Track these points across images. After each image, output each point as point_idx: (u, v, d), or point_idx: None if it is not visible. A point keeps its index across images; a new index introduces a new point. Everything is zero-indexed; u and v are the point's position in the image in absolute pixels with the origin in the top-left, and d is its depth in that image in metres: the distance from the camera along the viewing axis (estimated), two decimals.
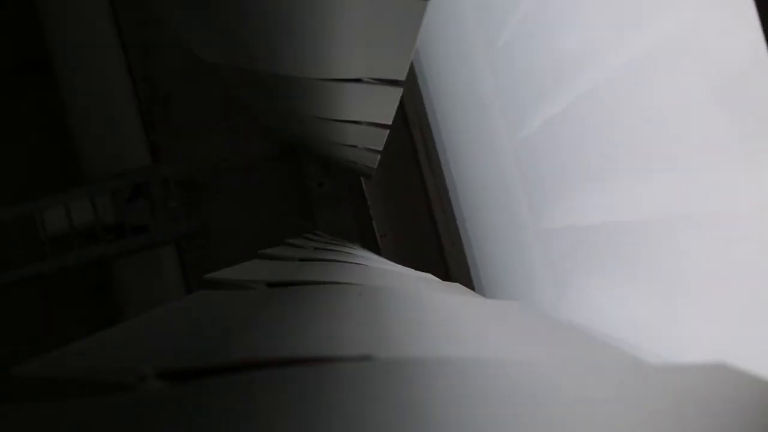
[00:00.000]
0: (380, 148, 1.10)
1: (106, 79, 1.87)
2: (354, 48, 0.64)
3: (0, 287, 1.74)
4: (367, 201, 1.81)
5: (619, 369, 0.32)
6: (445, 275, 1.58)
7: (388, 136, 1.08)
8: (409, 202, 1.77)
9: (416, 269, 0.97)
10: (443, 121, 1.67)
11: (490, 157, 1.33)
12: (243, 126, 1.80)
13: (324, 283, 0.58)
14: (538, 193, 1.06)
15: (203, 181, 1.87)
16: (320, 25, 0.61)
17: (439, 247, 1.72)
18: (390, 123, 0.89)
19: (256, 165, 1.85)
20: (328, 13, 0.57)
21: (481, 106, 1.33)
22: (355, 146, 1.13)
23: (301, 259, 0.81)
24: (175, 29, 0.80)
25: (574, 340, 0.40)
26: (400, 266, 1.00)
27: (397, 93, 0.70)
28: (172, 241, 1.81)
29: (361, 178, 1.80)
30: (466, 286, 0.97)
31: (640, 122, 0.61)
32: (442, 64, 1.55)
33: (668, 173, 0.56)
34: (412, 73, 1.57)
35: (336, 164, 1.73)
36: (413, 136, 1.74)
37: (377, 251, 1.67)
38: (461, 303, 0.53)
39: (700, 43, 0.47)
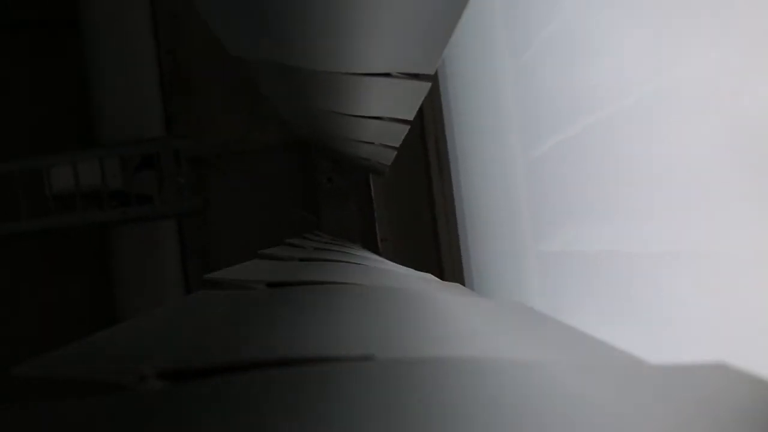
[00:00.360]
0: (397, 145, 1.09)
1: (132, 45, 1.86)
2: (388, 40, 0.63)
3: (2, 238, 1.74)
4: (373, 204, 1.81)
5: (619, 369, 0.32)
6: None
7: (403, 142, 1.08)
8: (414, 210, 1.77)
9: None
10: (459, 130, 1.66)
11: (501, 172, 1.33)
12: (261, 111, 1.79)
13: (324, 283, 0.58)
14: (543, 214, 1.07)
15: (213, 160, 1.86)
16: (359, 17, 0.60)
17: (438, 259, 1.72)
18: (411, 119, 0.88)
19: (268, 152, 1.84)
20: (368, 4, 0.57)
21: (498, 120, 1.32)
22: (372, 143, 1.12)
23: (301, 259, 0.81)
24: (205, 19, 0.79)
25: (574, 340, 0.40)
26: (400, 266, 1.00)
27: (424, 88, 0.70)
28: (175, 215, 1.80)
29: (370, 181, 1.79)
30: None
31: (649, 159, 0.61)
32: (465, 75, 1.54)
33: (670, 211, 0.56)
34: (435, 81, 1.58)
35: (348, 161, 1.72)
36: (428, 145, 1.73)
37: (377, 254, 1.68)
38: (461, 303, 0.53)
39: (719, 89, 0.47)
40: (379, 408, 0.24)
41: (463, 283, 1.65)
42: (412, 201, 1.77)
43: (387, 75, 0.69)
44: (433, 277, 0.88)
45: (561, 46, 0.92)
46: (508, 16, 1.26)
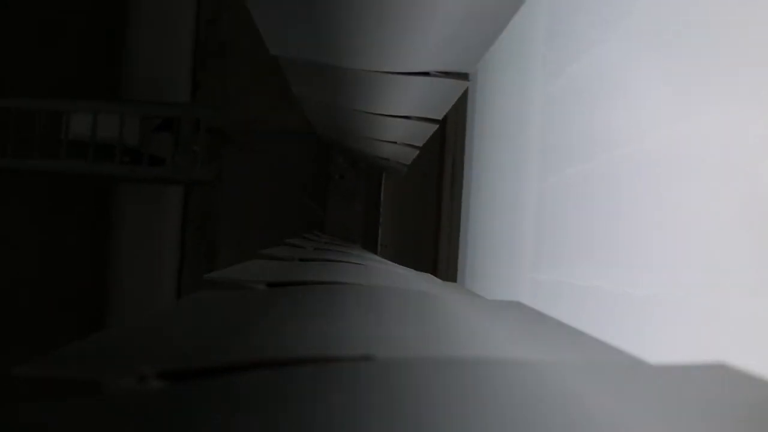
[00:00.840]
0: (420, 145, 1.08)
1: (174, 8, 1.87)
2: (434, 39, 0.61)
3: (12, 172, 1.74)
4: (380, 209, 1.80)
5: (619, 369, 0.32)
6: None
7: (422, 149, 1.07)
8: (419, 222, 1.76)
9: None
10: (479, 144, 1.65)
11: (513, 195, 1.32)
12: (288, 96, 1.79)
13: (324, 283, 0.58)
14: (545, 243, 1.07)
15: (232, 135, 1.85)
16: (409, 16, 0.58)
17: (434, 273, 1.71)
18: (441, 118, 0.87)
19: (287, 137, 1.83)
20: (420, 2, 0.55)
21: (520, 140, 1.32)
22: (395, 142, 1.10)
23: (301, 259, 0.81)
24: (253, 15, 0.77)
25: (574, 341, 0.40)
26: (400, 266, 0.99)
27: (461, 86, 0.69)
28: (184, 182, 1.80)
29: (381, 187, 1.78)
30: None
31: (654, 205, 0.61)
32: (494, 84, 1.53)
33: (665, 259, 0.56)
34: (463, 95, 1.56)
35: (365, 161, 1.71)
36: (445, 158, 1.72)
37: None
38: (461, 302, 0.53)
39: (739, 150, 0.47)
40: (378, 408, 0.24)
41: None
42: (419, 213, 1.76)
43: (425, 74, 0.68)
44: (433, 277, 0.88)
45: (590, 81, 0.92)
46: (551, 32, 1.26)
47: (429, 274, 0.89)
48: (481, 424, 0.22)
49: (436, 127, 0.93)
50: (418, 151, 1.14)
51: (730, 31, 0.50)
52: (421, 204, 1.76)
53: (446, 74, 0.67)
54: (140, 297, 1.84)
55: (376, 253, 1.74)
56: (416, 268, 1.69)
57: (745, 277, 0.42)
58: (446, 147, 1.71)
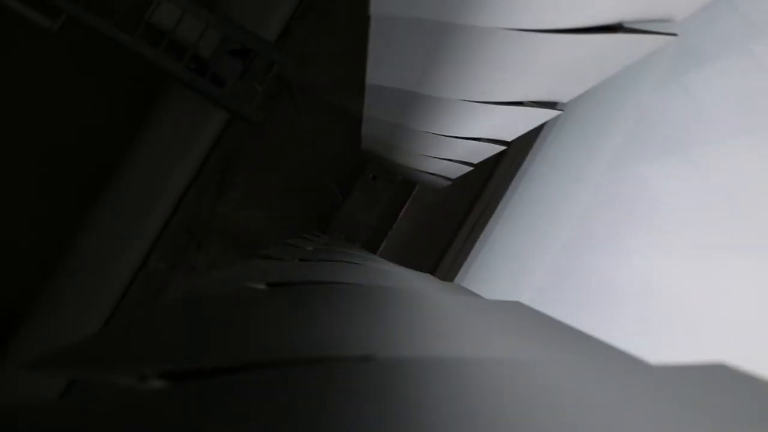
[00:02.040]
0: (476, 162, 1.05)
1: None
2: (541, 76, 0.59)
3: (85, 28, 1.74)
4: (395, 222, 1.79)
5: (619, 369, 0.32)
6: None
7: (461, 181, 1.03)
8: (428, 248, 1.76)
9: None
10: (521, 189, 1.62)
11: (530, 255, 1.32)
12: (360, 86, 1.76)
13: (324, 283, 0.58)
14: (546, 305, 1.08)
15: (296, 92, 1.84)
16: (519, 54, 0.55)
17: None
18: (510, 141, 0.84)
19: (341, 117, 1.82)
20: (533, 45, 0.53)
21: (557, 212, 1.30)
22: (450, 160, 1.08)
23: (301, 259, 0.81)
24: None
25: (574, 341, 0.40)
26: (400, 267, 1.00)
27: (549, 115, 0.65)
28: (232, 112, 1.80)
29: (407, 202, 1.77)
30: None
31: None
32: (558, 148, 1.51)
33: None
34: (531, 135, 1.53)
35: (403, 174, 1.69)
36: (482, 194, 1.71)
37: None
38: (462, 302, 0.53)
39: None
40: (378, 408, 0.24)
41: None
42: (431, 241, 1.76)
43: (519, 103, 0.65)
44: (432, 277, 0.88)
45: (630, 194, 0.94)
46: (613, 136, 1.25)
47: (429, 275, 0.89)
48: (480, 424, 0.22)
49: (502, 148, 0.89)
50: (471, 168, 1.11)
51: None
52: (438, 232, 1.75)
53: (539, 104, 0.64)
54: (139, 201, 1.85)
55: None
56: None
57: None
58: (488, 184, 1.70)
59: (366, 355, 0.30)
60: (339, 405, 0.24)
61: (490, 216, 1.68)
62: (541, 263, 1.25)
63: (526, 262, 1.34)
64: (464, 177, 1.24)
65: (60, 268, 1.86)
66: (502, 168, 1.68)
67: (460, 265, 1.68)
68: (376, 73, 0.78)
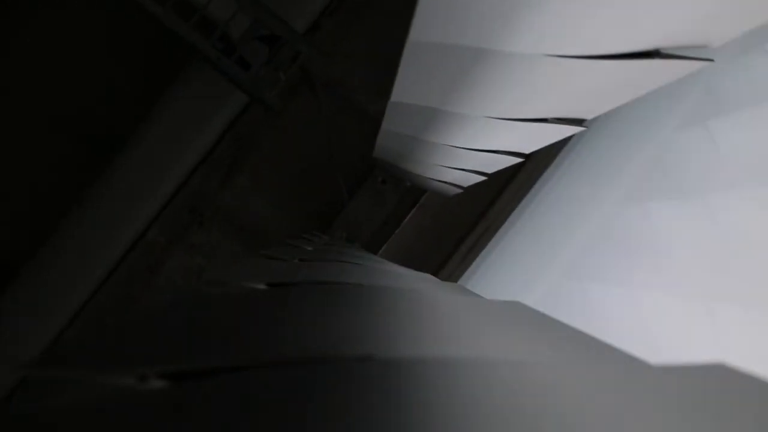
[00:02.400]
0: (490, 172, 1.04)
1: None
2: (569, 96, 0.58)
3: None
4: (399, 227, 1.79)
5: (619, 369, 0.32)
6: None
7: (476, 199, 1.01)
8: (428, 257, 1.75)
9: None
10: (531, 208, 1.61)
11: (531, 274, 1.32)
12: (383, 90, 1.74)
13: (324, 283, 0.58)
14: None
15: (319, 87, 1.84)
16: (549, 78, 0.54)
17: None
18: (528, 153, 0.83)
19: (359, 118, 1.81)
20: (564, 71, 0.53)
21: (569, 230, 1.30)
22: (464, 169, 1.07)
23: (301, 259, 0.81)
24: None
25: (574, 340, 0.40)
26: (400, 266, 0.99)
27: (573, 130, 0.64)
28: (252, 96, 1.80)
29: (413, 209, 1.77)
30: None
31: None
32: (574, 173, 1.50)
33: None
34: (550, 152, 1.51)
35: (412, 181, 1.68)
36: (490, 209, 1.70)
37: None
38: (462, 302, 0.53)
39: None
40: (378, 408, 0.24)
41: None
42: (433, 247, 1.76)
43: (543, 120, 0.64)
44: (432, 277, 0.88)
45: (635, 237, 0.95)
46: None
47: (429, 275, 0.89)
48: (481, 424, 0.22)
49: (520, 161, 0.88)
50: (485, 178, 1.10)
51: None
52: (438, 241, 1.75)
53: (563, 120, 0.63)
54: (149, 171, 1.84)
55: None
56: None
57: None
58: (499, 201, 1.69)
59: (366, 355, 0.30)
60: (338, 405, 0.24)
61: (495, 232, 1.67)
62: (541, 283, 1.26)
63: (526, 280, 1.34)
64: (475, 190, 1.23)
65: (63, 224, 1.84)
66: (514, 185, 1.68)
67: (457, 278, 1.68)
68: (402, 92, 0.77)
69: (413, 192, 1.77)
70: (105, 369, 0.29)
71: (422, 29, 0.52)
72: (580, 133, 0.70)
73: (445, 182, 1.26)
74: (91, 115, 1.96)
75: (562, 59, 0.49)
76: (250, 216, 1.86)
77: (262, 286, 0.51)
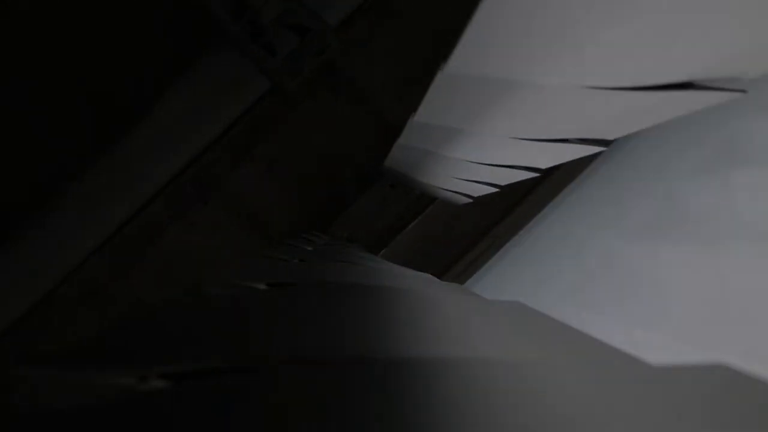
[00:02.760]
0: (503, 185, 1.03)
1: None
2: (599, 122, 0.58)
3: None
4: (401, 233, 1.78)
5: (618, 369, 0.32)
6: None
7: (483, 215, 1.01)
8: (428, 265, 1.74)
9: None
10: (537, 230, 1.61)
11: (530, 296, 1.32)
12: (403, 95, 1.72)
13: (324, 283, 0.58)
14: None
15: (339, 81, 1.83)
16: (578, 102, 0.54)
17: None
18: (545, 168, 0.82)
19: (376, 119, 1.80)
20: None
21: (572, 256, 1.30)
22: (477, 181, 1.06)
23: (301, 259, 0.81)
24: None
25: (574, 341, 0.40)
26: (400, 267, 1.00)
27: (593, 150, 0.64)
28: (273, 81, 1.79)
29: (418, 217, 1.76)
30: None
31: None
32: (585, 204, 1.49)
33: None
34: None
35: (421, 189, 1.68)
36: (496, 226, 1.69)
37: None
38: (462, 302, 0.53)
39: None
40: (378, 409, 0.24)
41: None
42: (434, 256, 1.76)
43: (564, 141, 0.63)
44: (432, 277, 0.88)
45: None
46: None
47: (429, 275, 0.89)
48: (481, 425, 0.22)
49: (536, 175, 0.87)
50: (497, 190, 1.09)
51: None
52: (441, 251, 1.75)
53: (585, 141, 0.63)
54: (162, 142, 1.83)
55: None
56: None
57: None
58: (507, 218, 1.68)
59: (366, 355, 0.30)
60: (338, 405, 0.24)
61: (499, 248, 1.67)
62: (542, 305, 1.25)
63: (526, 297, 1.34)
64: (485, 204, 1.22)
65: (69, 184, 1.83)
66: (524, 205, 1.67)
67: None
68: (426, 114, 0.77)
69: (421, 200, 1.77)
70: (105, 369, 0.29)
71: (460, 63, 0.52)
72: (598, 164, 0.69)
73: (456, 192, 1.25)
74: (111, 82, 1.92)
75: (598, 90, 0.49)
76: (255, 201, 1.85)
77: (262, 286, 0.51)
